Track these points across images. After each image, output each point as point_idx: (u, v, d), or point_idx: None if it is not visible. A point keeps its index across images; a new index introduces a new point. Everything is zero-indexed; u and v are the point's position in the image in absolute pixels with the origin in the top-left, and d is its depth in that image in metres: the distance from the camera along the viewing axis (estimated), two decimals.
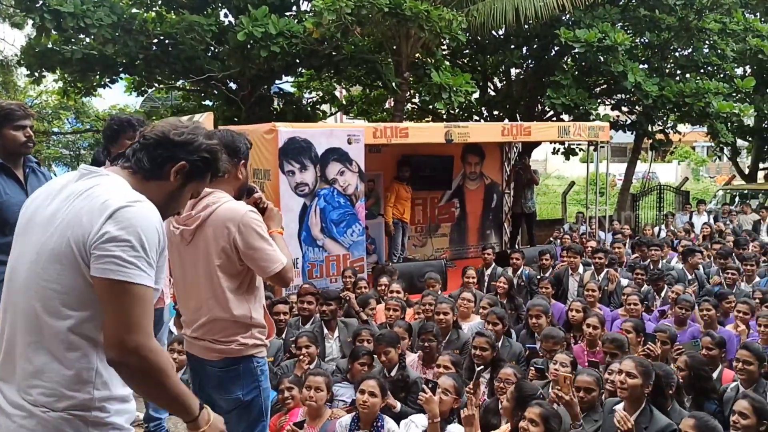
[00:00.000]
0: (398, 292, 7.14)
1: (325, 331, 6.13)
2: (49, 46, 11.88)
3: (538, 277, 8.80)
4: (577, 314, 6.35)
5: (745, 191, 18.46)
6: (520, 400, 3.95)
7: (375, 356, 5.20)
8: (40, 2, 10.64)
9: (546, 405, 3.77)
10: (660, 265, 9.25)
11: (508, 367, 4.74)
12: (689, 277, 8.77)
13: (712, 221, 14.52)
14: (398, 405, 4.56)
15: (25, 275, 1.95)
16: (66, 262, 1.88)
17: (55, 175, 4.11)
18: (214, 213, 2.88)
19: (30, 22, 11.53)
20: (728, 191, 19.40)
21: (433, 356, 5.39)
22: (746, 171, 22.34)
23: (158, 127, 2.10)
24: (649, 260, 9.47)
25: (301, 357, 5.26)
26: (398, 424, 4.31)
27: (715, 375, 5.39)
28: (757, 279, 8.47)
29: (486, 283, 9.32)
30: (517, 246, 11.80)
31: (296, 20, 11.58)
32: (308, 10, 12.78)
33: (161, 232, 1.95)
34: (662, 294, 7.77)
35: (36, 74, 12.95)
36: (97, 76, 13.12)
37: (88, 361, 1.91)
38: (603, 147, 12.25)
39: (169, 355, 1.98)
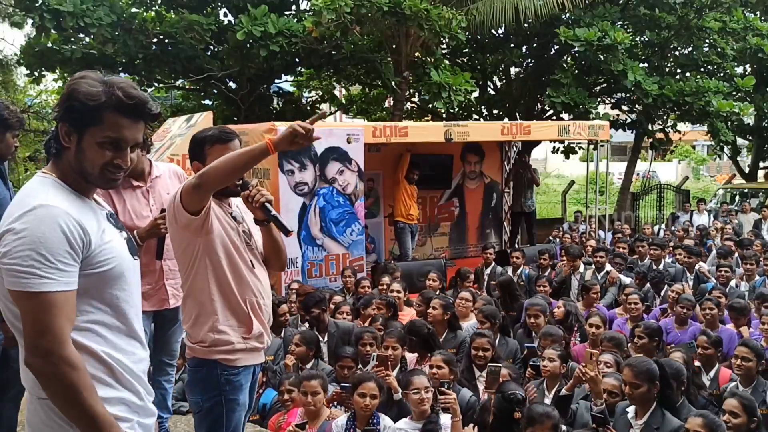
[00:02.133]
0: (398, 291, 7.12)
1: (315, 332, 6.09)
2: (49, 45, 11.90)
3: (537, 276, 8.80)
4: (558, 310, 6.41)
5: (746, 190, 18.44)
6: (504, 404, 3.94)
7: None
8: (40, 2, 10.63)
9: (551, 408, 3.75)
10: (662, 265, 9.23)
11: (503, 367, 4.71)
12: (689, 276, 8.77)
13: (710, 221, 14.52)
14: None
15: None
16: None
17: None
18: None
19: (29, 21, 11.53)
20: (728, 190, 19.39)
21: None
22: (746, 170, 22.33)
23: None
24: (649, 260, 9.44)
25: (287, 356, 5.27)
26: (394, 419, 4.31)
27: (711, 374, 5.40)
28: (757, 278, 8.46)
29: (486, 282, 9.32)
30: (516, 245, 11.78)
31: (295, 19, 11.59)
32: (307, 9, 12.78)
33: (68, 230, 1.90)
34: (662, 293, 7.77)
35: (36, 74, 12.96)
36: None
37: None
38: (603, 146, 12.23)
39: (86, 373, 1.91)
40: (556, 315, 6.48)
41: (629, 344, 5.55)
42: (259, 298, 2.98)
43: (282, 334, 6.08)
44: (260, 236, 3.06)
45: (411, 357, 5.59)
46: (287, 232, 2.98)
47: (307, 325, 6.28)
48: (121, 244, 2.06)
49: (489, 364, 4.89)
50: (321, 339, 6.03)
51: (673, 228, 13.52)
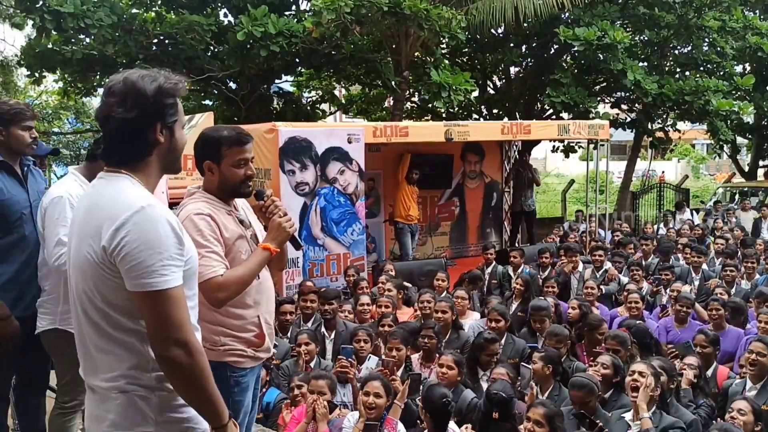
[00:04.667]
0: (389, 290, 7.10)
1: (323, 330, 6.13)
2: (50, 46, 11.90)
3: (543, 276, 8.79)
4: (573, 311, 6.38)
5: (745, 189, 18.47)
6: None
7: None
8: (41, 3, 10.65)
9: (550, 405, 3.78)
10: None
11: (500, 366, 4.73)
12: (694, 276, 8.79)
13: (697, 220, 14.54)
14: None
15: None
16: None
17: (55, 174, 4.10)
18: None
19: (30, 22, 11.54)
20: (728, 189, 19.41)
21: (433, 354, 5.40)
22: (746, 168, 22.34)
23: None
24: (657, 259, 9.44)
25: (302, 354, 5.28)
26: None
27: (709, 372, 5.42)
28: (758, 276, 8.48)
29: (486, 282, 9.34)
30: (517, 245, 11.80)
31: (296, 19, 11.60)
32: (308, 9, 12.80)
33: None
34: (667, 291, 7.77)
35: (36, 74, 12.98)
36: (98, 76, 13.13)
37: None
38: (603, 145, 12.25)
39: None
40: (571, 317, 6.48)
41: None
42: (266, 309, 2.99)
43: (288, 334, 6.11)
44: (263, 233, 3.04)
45: (414, 357, 5.62)
46: (299, 247, 3.09)
47: (309, 324, 6.32)
48: (192, 245, 2.14)
49: (410, 372, 4.93)
50: (327, 336, 6.07)
51: (676, 226, 13.51)
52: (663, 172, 24.16)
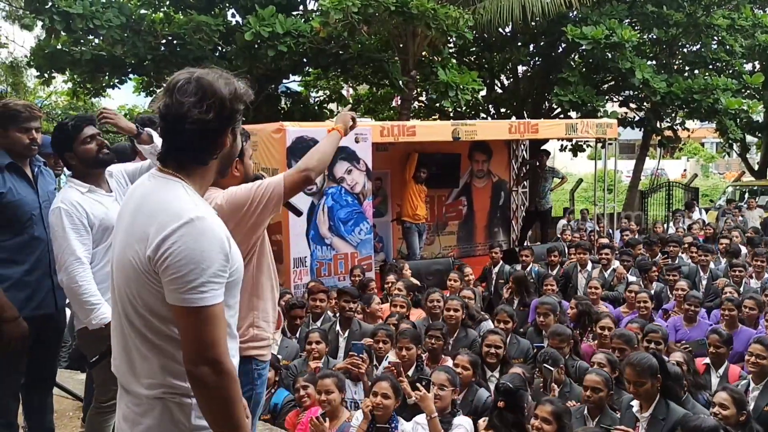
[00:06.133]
0: (400, 290, 7.11)
1: (338, 328, 6.13)
2: (59, 47, 11.97)
3: (545, 273, 8.79)
4: (571, 311, 6.41)
5: (755, 187, 18.38)
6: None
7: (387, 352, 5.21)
8: (49, 4, 10.72)
9: (557, 402, 3.78)
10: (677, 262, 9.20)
11: (517, 366, 4.73)
12: (702, 275, 8.75)
13: (707, 220, 14.48)
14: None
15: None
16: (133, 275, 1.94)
17: (64, 174, 4.10)
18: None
19: (39, 23, 11.62)
20: (737, 187, 19.32)
21: (439, 355, 5.40)
22: (756, 167, 22.23)
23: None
24: (665, 257, 9.40)
25: (313, 353, 5.29)
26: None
27: (720, 372, 5.41)
28: (767, 275, 8.43)
29: (494, 281, 9.34)
30: (527, 243, 11.77)
31: (303, 19, 11.63)
32: (315, 9, 12.81)
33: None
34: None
35: (46, 75, 13.07)
36: (106, 77, 13.22)
37: None
38: (611, 144, 12.20)
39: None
40: (570, 316, 6.49)
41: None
42: (278, 292, 3.06)
43: (297, 335, 6.12)
44: None
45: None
46: (299, 214, 3.32)
47: (319, 323, 6.33)
48: (239, 255, 2.06)
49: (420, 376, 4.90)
50: (341, 334, 6.07)
51: (685, 225, 13.45)
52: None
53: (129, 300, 1.94)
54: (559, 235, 12.79)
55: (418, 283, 7.91)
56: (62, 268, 3.30)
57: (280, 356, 5.43)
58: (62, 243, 3.29)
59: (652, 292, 7.67)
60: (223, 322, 1.90)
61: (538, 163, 11.87)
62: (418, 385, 4.20)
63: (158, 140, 3.58)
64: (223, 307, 1.91)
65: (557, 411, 3.66)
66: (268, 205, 2.77)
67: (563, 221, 15.11)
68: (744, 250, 9.85)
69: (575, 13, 13.48)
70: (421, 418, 4.20)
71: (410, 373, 5.01)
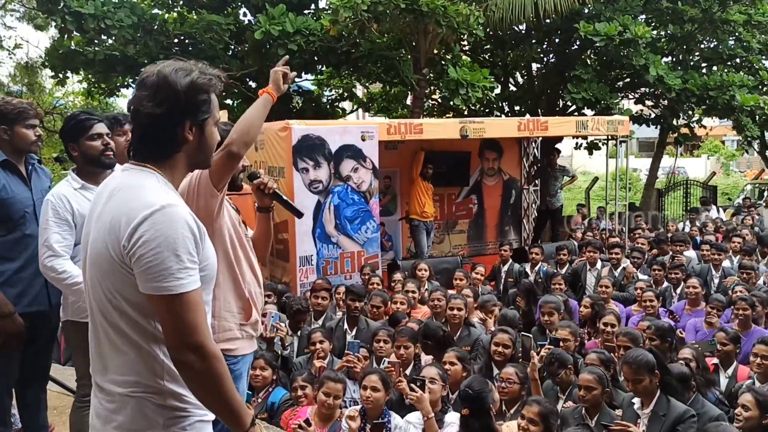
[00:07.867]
0: (413, 291, 7.10)
1: (345, 326, 6.12)
2: (73, 47, 12.10)
3: (553, 272, 8.73)
4: (585, 310, 6.33)
5: None
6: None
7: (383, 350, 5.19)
8: (61, 4, 10.82)
9: (544, 402, 3.75)
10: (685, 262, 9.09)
11: (509, 366, 4.70)
12: (714, 273, 8.63)
13: (724, 218, 14.28)
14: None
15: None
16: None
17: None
18: None
19: (52, 24, 11.74)
20: (757, 185, 19.05)
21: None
22: None
23: None
24: (671, 256, 9.30)
25: (317, 353, 5.29)
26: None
27: (729, 371, 5.35)
28: None
29: (503, 280, 9.29)
30: (539, 242, 11.67)
31: (313, 18, 11.63)
32: (325, 7, 12.83)
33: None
34: (678, 290, 7.65)
35: (60, 75, 13.20)
36: (120, 77, 13.32)
37: None
38: (626, 142, 12.05)
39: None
40: (582, 315, 6.43)
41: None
42: (255, 287, 3.03)
43: (299, 333, 6.12)
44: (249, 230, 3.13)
45: (426, 359, 5.58)
46: (300, 215, 3.22)
47: (321, 321, 6.33)
48: (212, 251, 2.06)
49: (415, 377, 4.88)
50: (349, 332, 6.07)
51: (698, 224, 13.28)
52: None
53: (105, 294, 1.93)
54: (570, 233, 12.70)
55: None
56: (40, 259, 3.33)
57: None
58: (42, 234, 3.32)
59: (659, 290, 7.60)
60: (202, 307, 1.90)
61: (547, 162, 11.79)
62: (412, 386, 4.17)
63: None
64: (200, 292, 1.90)
65: (544, 412, 3.63)
66: (200, 191, 2.78)
67: (577, 218, 14.98)
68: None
69: (589, 9, 13.35)
70: (413, 417, 4.19)
71: (408, 371, 4.99)
